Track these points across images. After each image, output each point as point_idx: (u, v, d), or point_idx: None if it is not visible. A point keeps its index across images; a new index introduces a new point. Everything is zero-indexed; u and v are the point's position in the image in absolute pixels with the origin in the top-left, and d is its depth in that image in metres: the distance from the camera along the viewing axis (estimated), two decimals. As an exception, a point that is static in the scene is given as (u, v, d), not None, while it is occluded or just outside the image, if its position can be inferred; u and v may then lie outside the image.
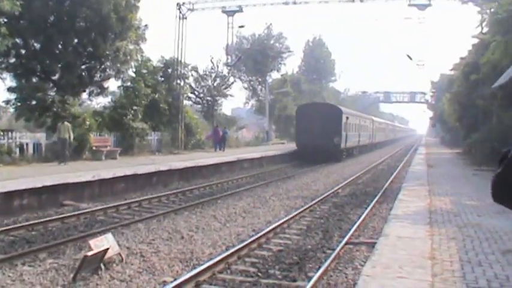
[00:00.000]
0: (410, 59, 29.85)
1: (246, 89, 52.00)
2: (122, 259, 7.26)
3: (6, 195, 10.78)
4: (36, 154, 18.73)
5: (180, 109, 28.76)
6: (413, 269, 5.35)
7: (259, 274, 6.73)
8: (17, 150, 18.14)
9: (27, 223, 9.77)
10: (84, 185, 13.17)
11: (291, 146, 32.85)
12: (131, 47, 23.77)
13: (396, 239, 6.92)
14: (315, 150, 28.04)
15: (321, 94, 64.28)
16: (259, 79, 50.68)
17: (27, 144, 18.88)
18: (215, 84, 35.59)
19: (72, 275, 6.46)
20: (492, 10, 19.32)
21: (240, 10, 31.26)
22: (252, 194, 15.22)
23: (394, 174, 21.36)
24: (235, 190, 15.75)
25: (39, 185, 11.73)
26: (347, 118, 31.92)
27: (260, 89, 50.77)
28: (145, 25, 24.75)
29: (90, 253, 6.46)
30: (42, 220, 10.07)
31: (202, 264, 6.90)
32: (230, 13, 31.82)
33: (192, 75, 34.24)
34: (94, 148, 20.14)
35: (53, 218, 10.36)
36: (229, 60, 37.00)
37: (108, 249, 6.81)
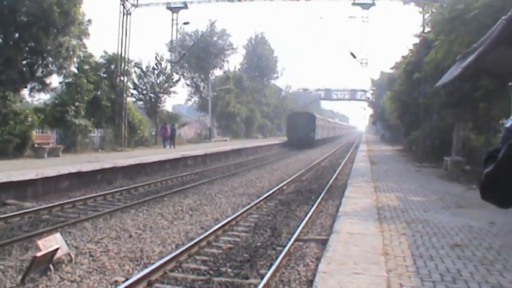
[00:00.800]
0: (354, 57, 31.00)
1: (188, 85, 52.05)
2: (71, 259, 7.09)
3: None
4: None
5: (123, 106, 28.51)
6: (368, 265, 5.49)
7: (211, 272, 6.73)
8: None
9: (-32, 223, 9.45)
10: (27, 183, 13.01)
11: (235, 143, 33.69)
12: (74, 42, 23.42)
13: (348, 236, 7.08)
14: (299, 141, 44.36)
15: (263, 91, 65.39)
16: (202, 76, 50.80)
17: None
18: (159, 81, 35.44)
19: (20, 277, 6.25)
20: (435, 10, 19.67)
21: (185, 7, 31.12)
22: (197, 191, 15.26)
23: (338, 171, 21.67)
24: (180, 188, 15.71)
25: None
26: (318, 121, 50.51)
27: (203, 86, 50.86)
28: (89, 20, 24.51)
29: (39, 253, 6.23)
30: (-16, 220, 9.76)
31: (153, 263, 6.85)
32: (175, 9, 31.66)
33: (135, 71, 33.95)
34: (36, 145, 19.70)
35: (-4, 217, 10.04)
36: (172, 57, 36.91)
37: (58, 249, 6.62)
